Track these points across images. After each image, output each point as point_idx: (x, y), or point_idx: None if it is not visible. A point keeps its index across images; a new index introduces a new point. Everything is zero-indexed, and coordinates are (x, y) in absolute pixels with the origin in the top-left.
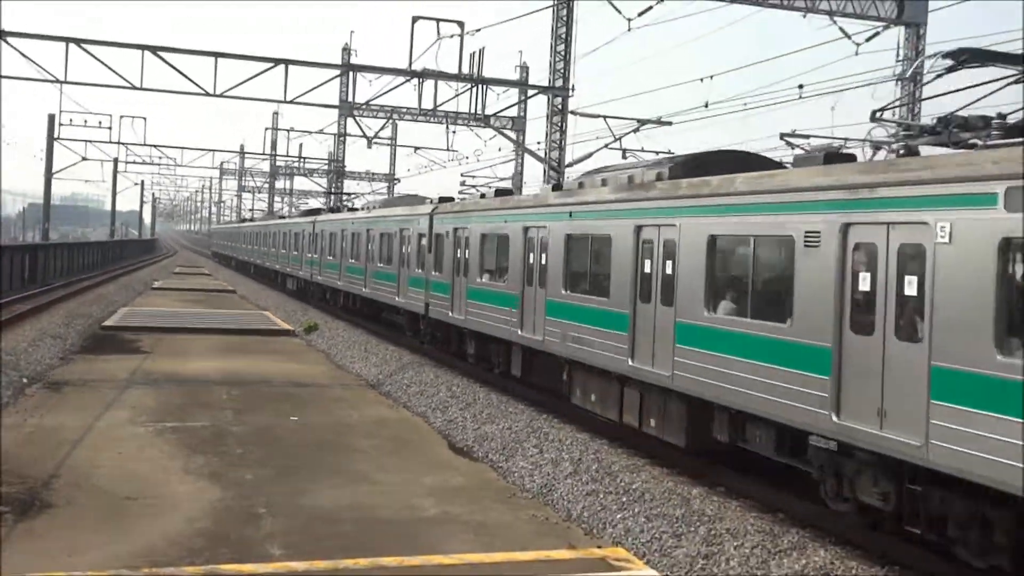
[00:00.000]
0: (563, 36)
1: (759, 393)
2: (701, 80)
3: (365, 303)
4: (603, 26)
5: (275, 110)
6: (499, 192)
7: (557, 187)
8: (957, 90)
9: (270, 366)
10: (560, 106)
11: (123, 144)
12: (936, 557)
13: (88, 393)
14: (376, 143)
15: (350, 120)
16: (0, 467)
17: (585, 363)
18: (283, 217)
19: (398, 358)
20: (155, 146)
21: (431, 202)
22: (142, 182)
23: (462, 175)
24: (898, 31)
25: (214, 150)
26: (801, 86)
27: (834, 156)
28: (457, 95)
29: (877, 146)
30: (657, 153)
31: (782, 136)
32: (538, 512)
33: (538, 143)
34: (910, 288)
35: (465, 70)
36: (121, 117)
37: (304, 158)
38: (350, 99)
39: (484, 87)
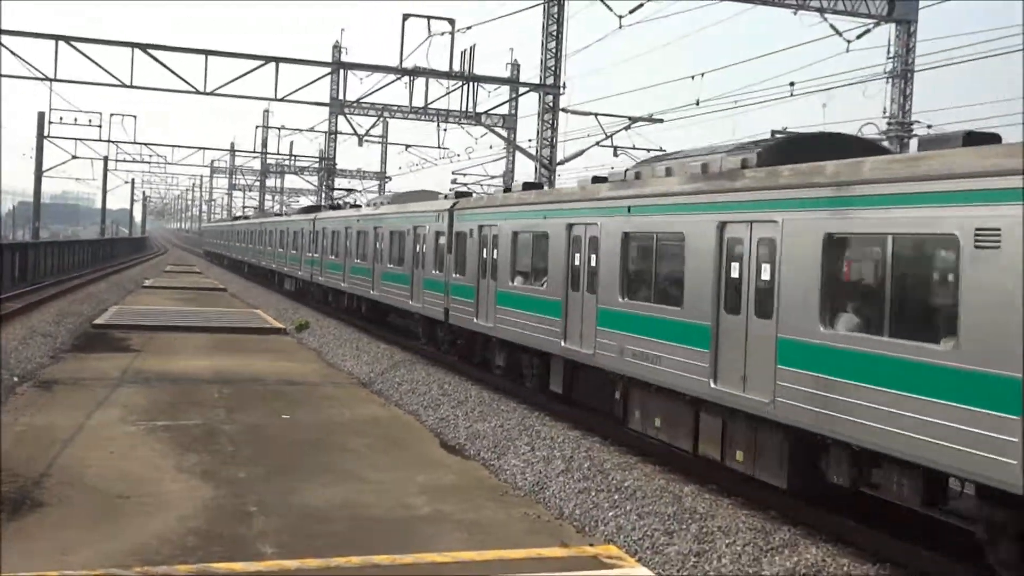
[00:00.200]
0: (554, 33)
1: (901, 430)
2: (692, 77)
3: (371, 306)
4: (594, 23)
5: (266, 108)
6: (527, 186)
7: (597, 179)
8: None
9: (261, 364)
10: (551, 104)
11: (113, 142)
12: (929, 554)
13: (79, 392)
14: (367, 141)
15: (341, 118)
16: (0, 467)
17: (648, 382)
18: (279, 214)
19: (389, 356)
20: (145, 144)
21: (445, 197)
22: (132, 180)
23: (453, 173)
24: (889, 28)
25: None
26: (792, 83)
27: (977, 137)
28: (448, 93)
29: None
30: (648, 151)
31: (773, 133)
32: (530, 510)
33: (529, 141)
34: None
35: (456, 68)
36: (111, 115)
37: (295, 156)
38: (341, 97)
39: (475, 85)
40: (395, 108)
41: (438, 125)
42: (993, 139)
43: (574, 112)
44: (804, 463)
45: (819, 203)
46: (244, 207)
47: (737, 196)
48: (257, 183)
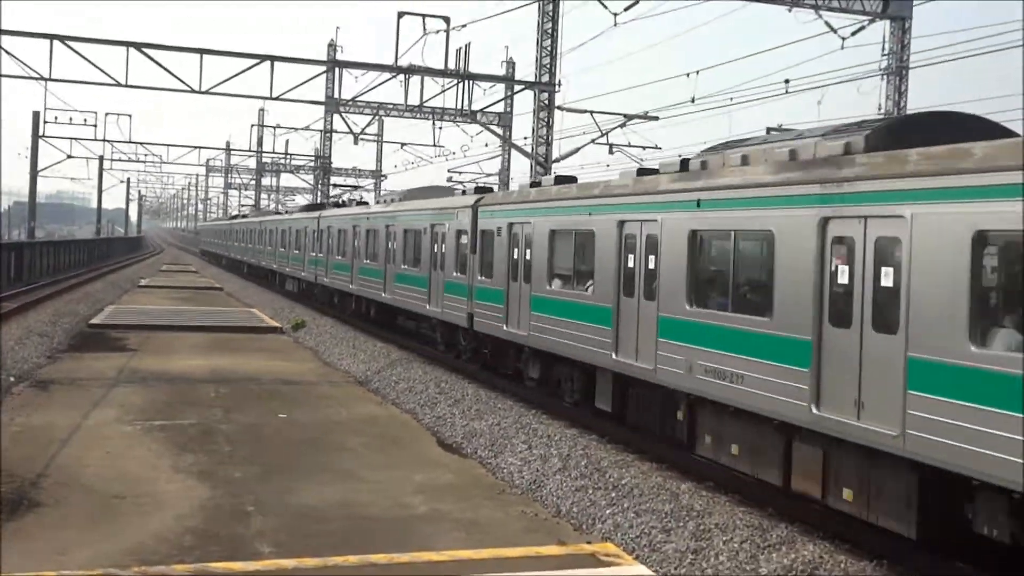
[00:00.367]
0: (549, 31)
1: None
2: (687, 75)
3: (381, 309)
4: (589, 21)
5: (261, 107)
6: (560, 180)
7: (644, 171)
8: None
9: (258, 363)
10: (547, 101)
11: (108, 141)
12: (926, 552)
13: (75, 391)
14: (362, 139)
15: (336, 116)
16: (0, 467)
17: (724, 403)
18: (277, 212)
19: (386, 355)
20: (141, 143)
21: (463, 192)
22: (128, 179)
23: (449, 171)
24: (883, 25)
25: (200, 147)
26: (787, 80)
27: None
28: (443, 91)
29: None
30: (644, 148)
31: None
32: (527, 508)
33: (525, 138)
34: None
35: (451, 66)
36: (107, 115)
37: (290, 155)
38: (336, 95)
39: (470, 83)
40: (390, 106)
41: (433, 123)
42: None
43: (569, 110)
44: (939, 508)
45: (966, 193)
46: (240, 206)
47: (847, 187)
48: (253, 182)
